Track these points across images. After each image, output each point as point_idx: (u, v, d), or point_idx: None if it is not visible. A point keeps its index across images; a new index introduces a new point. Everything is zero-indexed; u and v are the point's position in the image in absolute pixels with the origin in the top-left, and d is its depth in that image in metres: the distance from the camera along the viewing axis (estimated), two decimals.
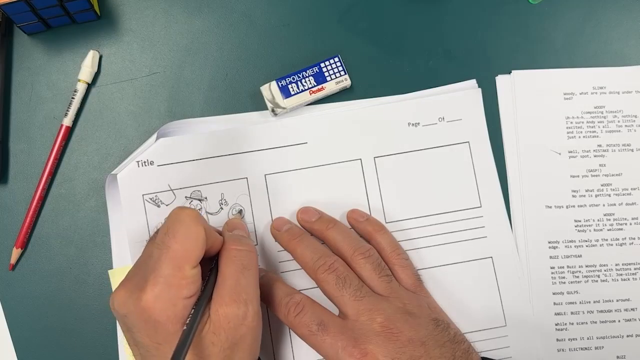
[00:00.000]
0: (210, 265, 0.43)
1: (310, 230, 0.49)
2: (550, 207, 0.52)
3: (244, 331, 0.40)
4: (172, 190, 0.50)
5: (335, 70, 0.52)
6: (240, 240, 0.43)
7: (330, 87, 0.52)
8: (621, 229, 0.52)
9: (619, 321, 0.51)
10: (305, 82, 0.52)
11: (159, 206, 0.50)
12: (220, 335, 0.39)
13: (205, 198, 0.50)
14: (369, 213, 0.51)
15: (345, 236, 0.48)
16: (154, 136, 0.50)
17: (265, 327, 0.49)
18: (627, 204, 0.52)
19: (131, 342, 0.41)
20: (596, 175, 0.52)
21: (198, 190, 0.50)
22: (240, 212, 0.50)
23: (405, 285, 0.47)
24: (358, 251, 0.46)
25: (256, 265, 0.43)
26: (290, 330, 0.49)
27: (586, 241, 0.52)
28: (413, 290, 0.47)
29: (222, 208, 0.50)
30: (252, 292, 0.41)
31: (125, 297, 0.39)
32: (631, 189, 0.52)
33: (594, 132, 0.53)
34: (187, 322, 0.38)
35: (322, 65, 0.52)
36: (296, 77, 0.52)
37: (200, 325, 0.39)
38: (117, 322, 0.50)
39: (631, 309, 0.51)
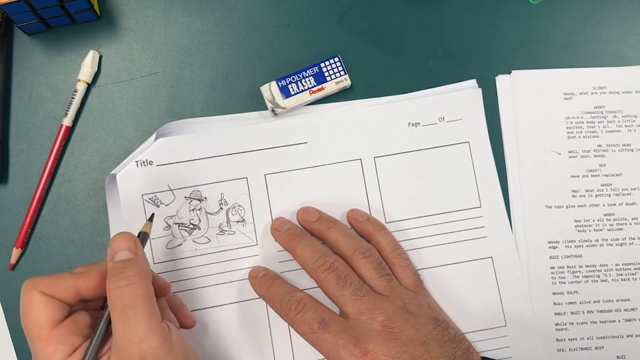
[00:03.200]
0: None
1: (311, 230, 0.49)
2: (550, 207, 0.52)
3: None
4: (171, 190, 0.50)
5: (335, 70, 0.52)
6: (118, 272, 0.38)
7: (330, 87, 0.52)
8: (621, 229, 0.52)
9: (619, 321, 0.51)
10: (305, 82, 0.52)
11: (158, 206, 0.50)
12: None
13: (205, 198, 0.50)
14: (369, 213, 0.51)
15: (346, 235, 0.48)
16: (153, 136, 0.50)
17: (264, 327, 0.49)
18: (627, 204, 0.52)
19: None
20: (596, 175, 0.52)
21: (198, 190, 0.50)
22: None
23: (405, 285, 0.47)
24: (358, 250, 0.46)
25: (144, 294, 0.37)
26: (290, 330, 0.49)
27: (586, 241, 0.52)
28: (413, 289, 0.48)
29: (221, 208, 0.50)
30: (142, 330, 0.36)
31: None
32: (631, 189, 0.52)
33: (594, 132, 0.53)
34: None
35: (322, 65, 0.52)
36: (296, 77, 0.52)
37: None
38: None
39: (631, 309, 0.51)
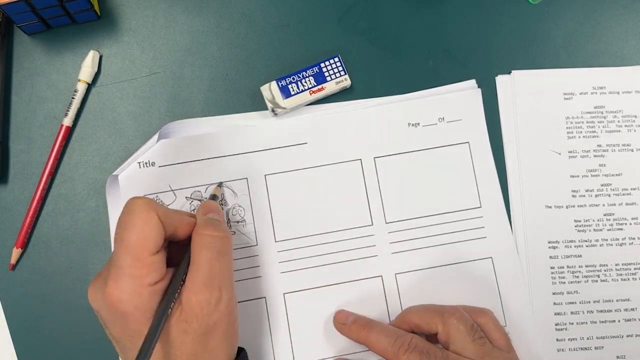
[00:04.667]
0: (183, 251, 0.42)
1: (348, 334, 0.49)
2: (550, 207, 0.52)
3: (217, 317, 0.39)
4: (172, 190, 0.50)
5: (335, 70, 0.52)
6: (215, 224, 0.42)
7: (330, 87, 0.52)
8: (621, 229, 0.52)
9: (619, 321, 0.51)
10: (305, 82, 0.52)
11: None
12: (192, 323, 0.39)
13: (206, 198, 0.50)
14: (369, 213, 0.51)
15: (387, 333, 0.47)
16: (155, 137, 0.50)
17: (264, 327, 0.49)
18: (627, 204, 0.52)
19: (110, 337, 0.41)
20: (596, 175, 0.52)
21: (198, 191, 0.50)
22: (214, 197, 0.48)
23: (499, 346, 0.46)
24: (402, 347, 0.45)
25: (231, 250, 0.42)
26: (290, 330, 0.49)
27: (586, 241, 0.52)
28: (507, 350, 0.47)
29: (222, 208, 0.50)
30: (226, 279, 0.40)
31: (94, 293, 0.39)
32: (631, 189, 0.52)
33: (594, 132, 0.53)
34: (156, 311, 0.38)
35: (322, 65, 0.52)
36: (296, 77, 0.52)
37: (171, 313, 0.39)
38: None
39: (631, 309, 0.51)
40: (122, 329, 0.39)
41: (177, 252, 0.42)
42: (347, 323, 0.48)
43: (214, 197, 0.48)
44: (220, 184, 0.50)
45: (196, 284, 0.39)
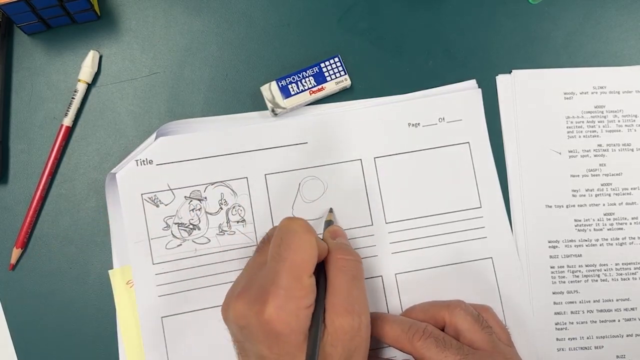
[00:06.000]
0: (316, 274, 0.41)
1: None
2: (551, 206, 0.52)
3: (359, 342, 0.40)
4: (171, 189, 0.50)
5: (335, 70, 0.52)
6: (347, 249, 0.43)
7: (330, 87, 0.52)
8: (621, 229, 0.52)
9: (619, 321, 0.51)
10: (305, 82, 0.52)
11: (157, 206, 0.50)
12: (337, 347, 0.39)
13: (205, 198, 0.50)
14: (369, 213, 0.51)
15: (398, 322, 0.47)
16: (154, 135, 0.50)
17: None
18: (627, 204, 0.52)
19: (245, 353, 0.40)
20: (596, 175, 0.52)
21: (197, 190, 0.50)
22: (330, 222, 0.49)
23: (501, 340, 0.47)
24: (416, 332, 0.45)
25: (363, 274, 0.43)
26: None
27: (586, 241, 0.52)
28: (508, 344, 0.47)
29: (221, 208, 0.50)
30: (363, 303, 0.41)
31: (245, 310, 0.39)
32: (631, 188, 0.52)
33: (594, 131, 0.53)
34: (311, 333, 0.38)
35: (322, 65, 0.52)
36: (296, 77, 0.52)
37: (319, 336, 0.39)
38: (117, 321, 0.50)
39: (631, 309, 0.51)
40: (271, 348, 0.38)
41: None
42: None
43: (329, 222, 0.49)
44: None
45: (337, 308, 0.40)
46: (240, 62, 0.53)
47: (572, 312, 0.51)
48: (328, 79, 0.52)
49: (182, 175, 0.50)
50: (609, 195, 0.52)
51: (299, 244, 0.39)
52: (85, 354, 0.50)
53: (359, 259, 0.43)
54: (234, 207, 0.50)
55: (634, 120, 0.53)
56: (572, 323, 0.51)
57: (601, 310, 0.51)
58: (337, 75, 0.52)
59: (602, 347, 0.50)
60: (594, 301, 0.51)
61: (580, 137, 0.53)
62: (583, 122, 0.53)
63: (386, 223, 0.51)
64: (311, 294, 0.39)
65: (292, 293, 0.38)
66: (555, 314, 0.51)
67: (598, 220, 0.52)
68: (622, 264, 0.51)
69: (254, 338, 0.39)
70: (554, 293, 0.51)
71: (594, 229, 0.52)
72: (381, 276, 0.50)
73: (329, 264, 0.42)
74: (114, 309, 0.50)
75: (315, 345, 0.38)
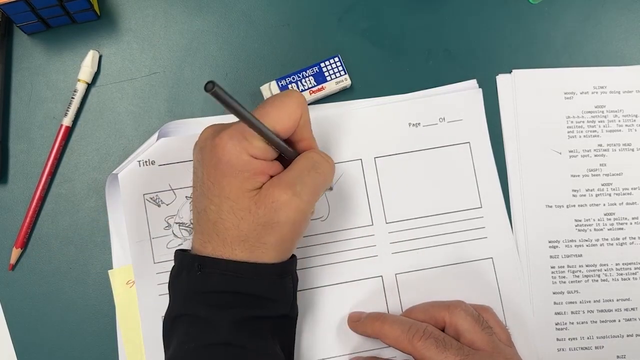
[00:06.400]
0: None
1: (363, 331, 0.49)
2: (551, 206, 0.52)
3: (282, 218, 0.40)
4: (172, 190, 0.50)
5: (335, 70, 0.52)
6: (325, 153, 0.44)
7: (330, 87, 0.52)
8: (621, 229, 0.52)
9: (619, 321, 0.51)
10: (305, 82, 0.52)
11: (159, 206, 0.50)
12: (259, 208, 0.39)
13: None
14: (369, 213, 0.51)
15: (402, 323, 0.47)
16: (155, 136, 0.50)
17: None
18: (627, 204, 0.52)
19: (195, 175, 0.42)
20: (597, 175, 0.52)
21: None
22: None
23: (501, 340, 0.47)
24: (417, 334, 0.45)
25: (328, 176, 0.43)
26: None
27: (586, 241, 0.52)
28: (508, 344, 0.47)
29: None
30: (308, 190, 0.41)
31: (210, 133, 0.41)
32: (631, 188, 0.52)
33: (595, 131, 0.53)
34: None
35: (322, 65, 0.52)
36: (296, 77, 0.52)
37: (250, 192, 0.40)
38: (117, 321, 0.50)
39: (631, 309, 0.51)
40: (209, 174, 0.40)
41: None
42: (360, 320, 0.48)
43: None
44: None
45: (280, 179, 0.41)
46: (240, 62, 0.53)
47: (572, 312, 0.51)
48: (328, 78, 0.52)
49: (184, 175, 0.50)
50: (609, 195, 0.52)
51: (283, 108, 0.41)
52: (85, 354, 0.50)
53: (331, 162, 0.44)
54: None
55: (634, 120, 0.53)
56: (573, 323, 0.51)
57: (601, 310, 0.51)
58: (337, 75, 0.52)
59: (603, 347, 0.50)
60: (594, 301, 0.51)
61: (580, 137, 0.53)
62: (583, 122, 0.53)
63: (386, 223, 0.51)
64: (265, 149, 0.40)
65: (250, 134, 0.39)
66: (556, 314, 0.51)
67: (598, 220, 0.52)
68: (623, 264, 0.51)
69: (204, 159, 0.41)
70: (554, 293, 0.51)
71: (594, 229, 0.52)
72: (381, 276, 0.50)
73: (302, 154, 0.43)
74: (114, 309, 0.50)
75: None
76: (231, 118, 0.52)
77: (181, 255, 0.42)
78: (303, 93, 0.51)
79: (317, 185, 0.42)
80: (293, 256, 0.44)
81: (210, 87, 0.33)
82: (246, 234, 0.40)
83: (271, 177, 0.41)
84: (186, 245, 0.49)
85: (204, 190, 0.40)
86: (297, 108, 0.41)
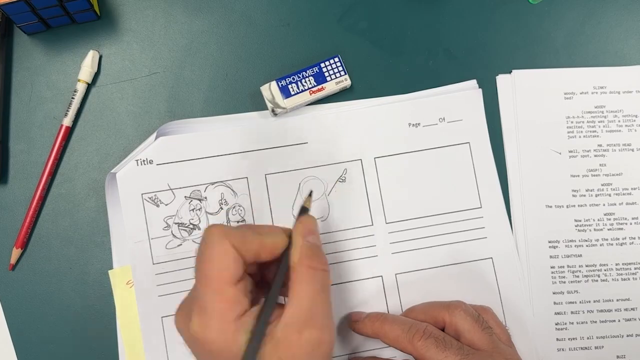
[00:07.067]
0: (272, 270, 0.40)
1: (362, 330, 0.48)
2: (551, 206, 0.52)
3: (319, 358, 0.37)
4: (171, 189, 0.50)
5: (335, 70, 0.52)
6: (318, 255, 0.40)
7: (330, 87, 0.52)
8: (621, 229, 0.52)
9: (619, 321, 0.51)
10: (305, 82, 0.52)
11: (158, 205, 0.50)
12: None
13: (205, 198, 0.50)
14: (369, 213, 0.51)
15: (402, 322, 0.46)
16: (154, 135, 0.50)
17: None
18: (627, 204, 0.52)
19: None
20: (596, 175, 0.52)
21: (198, 190, 0.50)
22: (304, 209, 0.43)
23: (501, 340, 0.47)
24: (418, 333, 0.45)
25: (329, 286, 0.40)
26: None
27: (586, 241, 0.52)
28: (509, 344, 0.47)
29: (222, 208, 0.50)
30: (328, 318, 0.38)
31: (180, 323, 0.38)
32: (631, 188, 0.52)
33: (595, 131, 0.53)
34: (246, 349, 0.36)
35: (322, 65, 0.52)
36: (296, 77, 0.52)
37: (264, 350, 0.36)
38: (117, 321, 0.50)
39: (631, 309, 0.51)
40: None
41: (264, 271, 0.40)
42: (360, 320, 0.48)
43: (304, 210, 0.43)
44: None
45: (298, 322, 0.37)
46: (240, 62, 0.53)
47: (572, 312, 0.51)
48: (328, 79, 0.52)
49: (183, 175, 0.50)
50: (609, 195, 0.52)
51: (212, 254, 0.37)
52: (85, 354, 0.50)
53: (327, 267, 0.40)
54: (234, 207, 0.50)
55: (634, 120, 0.53)
56: (572, 323, 0.51)
57: (601, 310, 0.51)
58: (337, 75, 0.52)
59: (602, 347, 0.50)
60: (594, 301, 0.51)
61: (580, 137, 0.53)
62: (583, 122, 0.53)
63: (386, 223, 0.51)
64: (237, 305, 0.36)
65: (214, 306, 0.36)
66: (556, 314, 0.51)
67: (598, 220, 0.52)
68: (622, 264, 0.51)
69: (193, 351, 0.38)
70: (554, 293, 0.51)
71: (594, 229, 0.52)
72: (381, 276, 0.50)
73: (295, 271, 0.39)
74: (114, 309, 0.50)
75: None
76: (231, 118, 0.52)
77: None
78: (303, 93, 0.51)
79: (330, 304, 0.39)
80: None
81: None
82: None
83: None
84: (186, 245, 0.49)
85: None
86: (223, 243, 0.37)
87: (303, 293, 0.38)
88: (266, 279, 0.41)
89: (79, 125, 0.52)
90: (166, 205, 0.50)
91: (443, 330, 0.46)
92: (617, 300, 0.51)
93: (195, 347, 0.37)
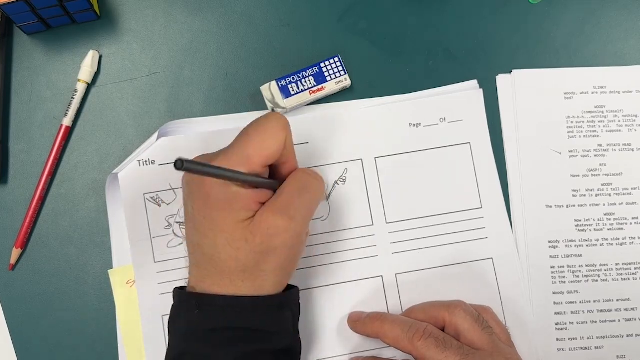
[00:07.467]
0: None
1: (363, 331, 0.48)
2: (551, 206, 0.52)
3: (279, 243, 0.39)
4: (173, 189, 0.50)
5: (335, 70, 0.52)
6: (314, 171, 0.43)
7: (330, 87, 0.52)
8: (621, 229, 0.52)
9: (619, 321, 0.51)
10: (305, 82, 0.52)
11: (159, 205, 0.50)
12: (255, 237, 0.39)
13: None
14: (369, 213, 0.51)
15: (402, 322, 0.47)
16: (155, 135, 0.50)
17: None
18: (627, 204, 0.52)
19: (185, 207, 0.42)
20: (596, 175, 0.52)
21: None
22: None
23: (501, 340, 0.47)
24: (418, 333, 0.45)
25: (318, 194, 0.43)
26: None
27: (586, 241, 0.52)
28: (509, 344, 0.47)
29: None
30: (301, 213, 0.41)
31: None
32: (631, 188, 0.52)
33: (595, 131, 0.53)
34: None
35: (322, 65, 0.52)
36: (296, 77, 0.52)
37: (242, 221, 0.40)
38: (117, 320, 0.50)
39: (631, 309, 0.51)
40: (200, 209, 0.40)
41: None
42: (360, 319, 0.48)
43: None
44: None
45: (271, 206, 0.40)
46: (240, 62, 0.53)
47: (572, 312, 0.51)
48: (328, 79, 0.52)
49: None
50: (609, 195, 0.52)
51: (267, 131, 0.40)
52: (85, 353, 0.50)
53: (322, 181, 0.43)
54: None
55: (634, 120, 0.53)
56: (572, 323, 0.51)
57: (601, 310, 0.51)
58: (337, 75, 0.52)
59: (602, 347, 0.50)
60: (594, 301, 0.51)
61: (580, 137, 0.53)
62: (583, 122, 0.53)
63: (387, 223, 0.51)
64: (255, 177, 0.40)
65: (234, 166, 0.39)
66: (556, 314, 0.51)
67: (598, 220, 0.52)
68: (622, 264, 0.51)
69: (193, 193, 0.40)
70: (554, 293, 0.51)
71: (594, 229, 0.52)
72: (381, 276, 0.50)
73: (290, 175, 0.43)
74: (114, 308, 0.50)
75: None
76: (230, 118, 0.52)
77: (179, 293, 0.42)
78: (303, 93, 0.51)
79: (309, 205, 0.42)
80: (295, 288, 0.44)
81: (180, 165, 0.32)
82: (244, 263, 0.39)
83: (262, 203, 0.40)
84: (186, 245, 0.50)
85: (196, 225, 0.40)
86: (281, 131, 0.41)
87: (286, 186, 0.42)
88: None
89: (79, 125, 0.52)
90: (168, 204, 0.50)
91: (443, 330, 0.46)
92: (617, 300, 0.51)
93: (195, 188, 0.40)
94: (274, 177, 0.43)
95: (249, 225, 0.39)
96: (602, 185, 0.52)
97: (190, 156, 0.50)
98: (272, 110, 0.51)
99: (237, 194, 0.39)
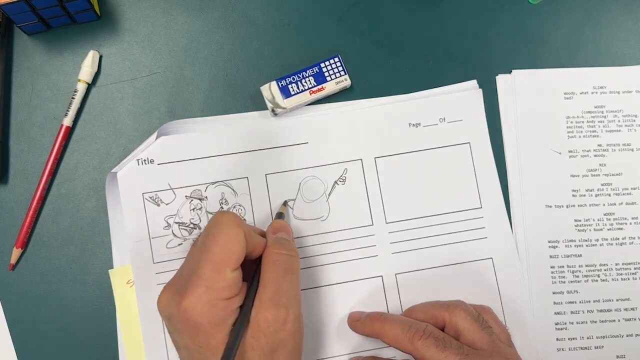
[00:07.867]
0: (253, 268, 0.43)
1: (362, 331, 0.48)
2: (551, 206, 0.52)
3: (284, 335, 0.40)
4: (172, 189, 0.50)
5: (335, 70, 0.52)
6: (283, 243, 0.44)
7: (330, 87, 0.52)
8: (621, 229, 0.52)
9: (619, 321, 0.51)
10: (305, 82, 0.52)
11: (158, 205, 0.50)
12: (260, 340, 0.39)
13: (206, 197, 0.50)
14: (369, 213, 0.51)
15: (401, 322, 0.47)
16: (154, 135, 0.50)
17: None
18: (627, 204, 0.52)
19: (176, 344, 0.41)
20: (596, 175, 0.52)
21: (198, 190, 0.50)
22: (280, 214, 0.49)
23: (501, 340, 0.47)
24: (418, 333, 0.45)
25: (298, 269, 0.43)
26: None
27: (586, 241, 0.52)
28: (508, 344, 0.47)
29: (222, 207, 0.50)
30: (292, 297, 0.41)
31: (168, 300, 0.40)
32: (631, 188, 0.52)
33: (594, 131, 0.53)
34: (232, 327, 0.39)
35: (322, 65, 0.52)
36: (296, 77, 0.52)
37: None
38: (117, 320, 0.50)
39: (631, 309, 0.51)
40: (192, 338, 0.39)
41: (248, 270, 0.42)
42: (360, 319, 0.48)
43: (280, 215, 0.49)
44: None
45: (264, 302, 0.40)
46: (240, 62, 0.53)
47: (572, 312, 0.51)
48: (328, 79, 0.52)
49: (183, 174, 0.50)
50: (609, 195, 0.52)
51: (225, 237, 0.40)
52: (85, 353, 0.50)
53: (295, 253, 0.44)
54: (234, 207, 0.50)
55: (634, 120, 0.53)
56: (572, 323, 0.51)
57: (601, 310, 0.51)
58: (337, 75, 0.52)
59: (602, 347, 0.50)
60: (594, 301, 0.51)
61: (580, 137, 0.53)
62: (583, 122, 0.53)
63: (386, 223, 0.51)
64: (233, 287, 0.39)
65: (212, 284, 0.39)
66: (555, 314, 0.51)
67: (598, 220, 0.52)
68: (622, 264, 0.51)
69: (178, 329, 0.40)
70: (554, 293, 0.51)
71: (594, 229, 0.52)
72: (381, 276, 0.50)
73: (263, 258, 0.43)
74: (114, 308, 0.50)
75: (236, 337, 0.38)
76: (230, 118, 0.52)
77: None
78: (303, 93, 0.51)
79: (296, 285, 0.42)
80: None
81: None
82: None
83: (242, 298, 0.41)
84: (186, 244, 0.50)
85: (194, 354, 0.39)
86: (237, 229, 0.40)
87: (268, 275, 0.42)
88: (245, 277, 0.43)
89: (79, 125, 0.52)
90: (167, 204, 0.50)
91: (443, 330, 0.46)
92: (617, 300, 0.51)
93: (180, 319, 0.39)
94: (246, 259, 0.42)
95: (249, 332, 0.40)
96: (602, 185, 0.52)
97: (188, 156, 0.50)
98: (272, 110, 0.51)
99: (226, 308, 0.39)
